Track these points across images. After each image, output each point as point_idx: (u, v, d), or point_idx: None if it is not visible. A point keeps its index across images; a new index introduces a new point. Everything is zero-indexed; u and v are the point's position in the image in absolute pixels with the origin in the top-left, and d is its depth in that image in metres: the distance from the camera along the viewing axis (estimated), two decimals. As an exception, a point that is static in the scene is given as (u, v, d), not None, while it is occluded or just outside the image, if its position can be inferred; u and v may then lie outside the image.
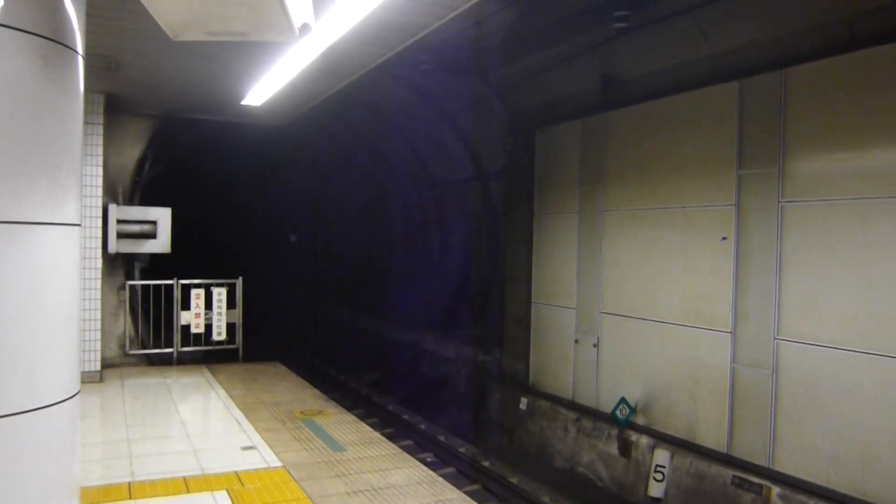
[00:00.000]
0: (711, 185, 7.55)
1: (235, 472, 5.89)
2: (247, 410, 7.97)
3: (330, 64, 7.43)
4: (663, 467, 7.77)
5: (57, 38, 2.86)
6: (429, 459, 9.73)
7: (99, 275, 9.48)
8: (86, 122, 8.87)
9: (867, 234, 6.06)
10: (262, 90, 8.74)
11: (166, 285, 10.67)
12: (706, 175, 7.63)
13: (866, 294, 6.06)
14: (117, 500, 5.19)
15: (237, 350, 11.15)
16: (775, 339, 6.80)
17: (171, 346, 10.69)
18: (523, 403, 10.34)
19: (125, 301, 10.48)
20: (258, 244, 23.58)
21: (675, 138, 8.07)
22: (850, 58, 6.24)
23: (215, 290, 10.75)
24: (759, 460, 6.91)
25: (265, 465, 6.08)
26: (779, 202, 6.79)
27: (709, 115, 7.63)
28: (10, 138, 2.70)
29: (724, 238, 7.36)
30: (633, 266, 8.66)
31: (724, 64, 7.45)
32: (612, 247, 9.02)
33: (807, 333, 6.54)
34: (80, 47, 3.08)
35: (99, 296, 9.45)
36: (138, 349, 10.73)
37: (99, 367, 9.37)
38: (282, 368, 10.79)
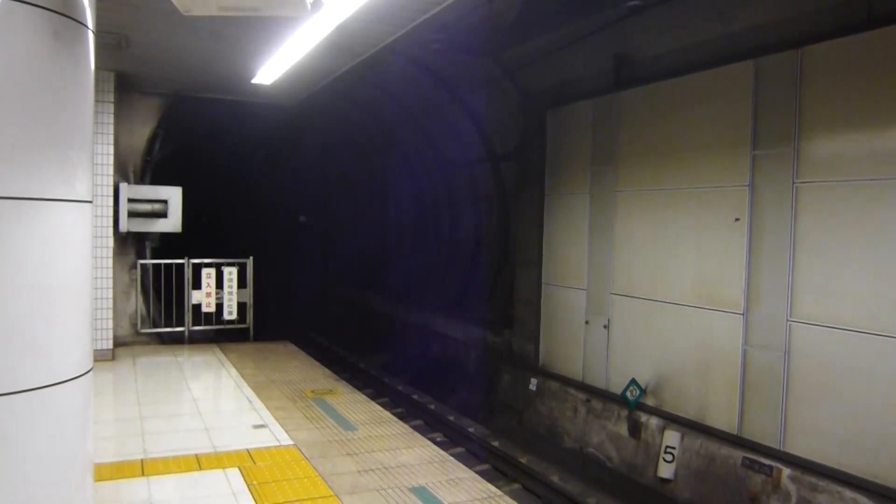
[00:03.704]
0: (725, 165, 7.47)
1: (247, 449, 5.93)
2: (258, 389, 8.01)
3: (340, 42, 7.38)
4: (673, 448, 7.77)
5: (68, 13, 2.84)
6: (439, 439, 9.76)
7: (110, 253, 9.51)
8: (96, 100, 8.90)
9: (883, 215, 5.98)
10: (273, 69, 8.70)
11: (177, 264, 10.70)
12: (720, 155, 7.56)
13: (881, 276, 5.99)
14: (130, 477, 5.23)
15: (248, 329, 11.19)
16: (788, 321, 6.76)
17: (183, 325, 10.74)
18: (533, 384, 10.35)
19: (136, 280, 10.52)
20: (269, 224, 23.60)
21: (688, 118, 7.99)
22: (868, 36, 6.13)
23: (226, 270, 10.78)
24: (770, 442, 6.89)
25: (276, 444, 6.12)
26: (793, 183, 6.72)
27: (723, 94, 7.54)
28: (20, 113, 2.69)
29: (738, 219, 7.29)
30: (644, 247, 8.61)
31: (739, 43, 7.34)
32: (623, 228, 8.97)
33: (820, 315, 6.49)
34: (91, 23, 3.06)
35: (110, 274, 9.50)
36: (150, 328, 10.79)
37: (111, 346, 9.44)
38: (292, 348, 10.83)
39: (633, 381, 8.41)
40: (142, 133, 10.96)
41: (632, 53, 8.79)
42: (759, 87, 7.10)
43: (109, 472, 5.29)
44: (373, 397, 9.63)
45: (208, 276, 10.64)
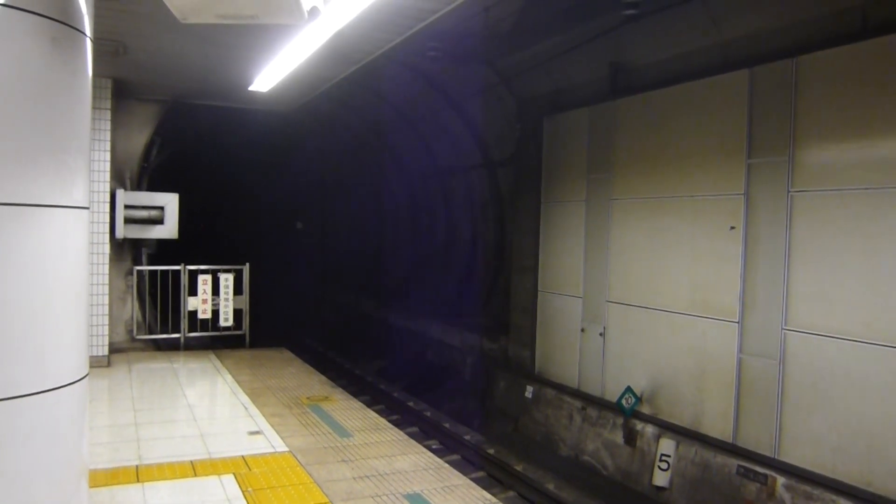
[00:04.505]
0: (720, 174, 7.50)
1: (242, 456, 5.92)
2: (253, 395, 8.00)
3: (338, 49, 7.40)
4: (668, 456, 7.77)
5: (66, 21, 2.85)
6: (434, 446, 9.76)
7: (107, 260, 9.51)
8: (93, 107, 8.90)
9: (877, 224, 6.01)
10: (270, 76, 8.72)
11: (173, 271, 10.70)
12: (715, 164, 7.58)
13: (876, 285, 6.02)
14: (125, 483, 5.22)
15: (244, 336, 11.17)
16: (783, 329, 6.77)
17: (179, 332, 10.73)
18: (529, 391, 10.35)
19: (132, 286, 10.51)
20: (265, 230, 23.61)
21: (684, 127, 8.02)
22: (863, 46, 6.17)
23: (222, 276, 10.77)
24: (765, 450, 6.90)
25: (272, 450, 6.11)
26: (788, 191, 6.75)
27: (718, 103, 7.57)
28: (17, 119, 2.70)
29: (733, 227, 7.32)
30: (640, 255, 8.63)
31: (734, 52, 7.38)
32: (619, 235, 8.99)
33: (815, 324, 6.51)
34: (88, 30, 3.07)
35: (107, 281, 9.48)
36: (146, 334, 10.77)
37: (107, 352, 9.41)
38: (288, 354, 10.82)
39: (629, 389, 8.42)
40: (139, 139, 10.97)
41: (627, 62, 8.83)
42: (755, 96, 7.13)
43: (104, 478, 5.28)
44: (368, 404, 9.62)
45: (204, 282, 10.62)
